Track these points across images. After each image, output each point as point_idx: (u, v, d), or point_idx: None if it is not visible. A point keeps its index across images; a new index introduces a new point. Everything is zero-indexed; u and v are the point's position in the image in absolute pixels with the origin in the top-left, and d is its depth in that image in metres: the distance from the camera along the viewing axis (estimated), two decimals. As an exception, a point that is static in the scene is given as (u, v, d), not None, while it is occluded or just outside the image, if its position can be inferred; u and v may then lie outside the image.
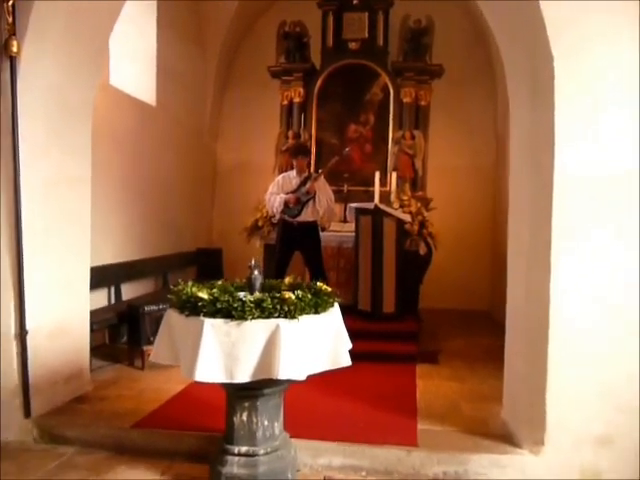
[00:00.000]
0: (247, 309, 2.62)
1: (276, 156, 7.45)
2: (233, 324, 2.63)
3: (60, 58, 3.77)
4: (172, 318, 2.87)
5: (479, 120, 8.12)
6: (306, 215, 5.63)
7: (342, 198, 6.96)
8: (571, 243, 2.98)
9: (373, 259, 5.78)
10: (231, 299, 2.67)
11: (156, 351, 2.91)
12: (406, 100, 7.21)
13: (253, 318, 2.62)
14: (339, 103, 7.49)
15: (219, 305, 2.66)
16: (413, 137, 7.15)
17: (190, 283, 2.98)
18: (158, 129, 7.03)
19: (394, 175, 6.85)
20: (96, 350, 5.39)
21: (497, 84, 7.71)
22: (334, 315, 2.94)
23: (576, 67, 2.96)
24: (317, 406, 3.92)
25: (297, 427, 3.35)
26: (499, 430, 3.52)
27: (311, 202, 5.61)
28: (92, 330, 4.67)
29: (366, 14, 7.35)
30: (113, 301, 5.88)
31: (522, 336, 3.37)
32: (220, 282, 3.28)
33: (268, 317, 2.65)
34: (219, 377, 2.63)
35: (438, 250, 6.45)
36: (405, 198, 6.49)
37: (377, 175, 6.69)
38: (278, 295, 2.72)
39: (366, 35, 7.38)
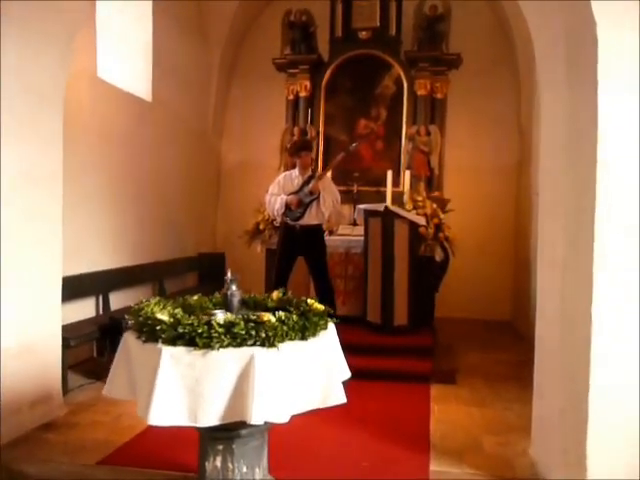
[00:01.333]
0: (214, 335, 2.11)
1: (281, 154, 6.98)
2: (197, 354, 2.12)
3: (23, 37, 3.32)
4: (129, 343, 2.37)
5: (501, 114, 7.51)
6: (309, 218, 5.10)
7: (352, 199, 6.47)
8: (619, 254, 2.42)
9: (383, 266, 5.24)
10: (195, 322, 2.17)
11: (110, 382, 2.41)
12: (421, 93, 6.68)
13: (222, 346, 2.11)
14: (348, 97, 7.00)
15: (181, 329, 2.15)
16: (428, 133, 6.62)
17: (153, 300, 2.49)
18: (155, 126, 6.58)
19: (407, 174, 6.31)
20: (80, 366, 4.96)
21: (520, 74, 7.11)
22: (327, 340, 2.41)
23: (624, 33, 2.40)
24: (311, 440, 3.39)
25: (287, 468, 2.85)
26: (527, 473, 2.96)
27: (315, 203, 5.08)
28: (69, 346, 4.22)
29: (377, 1, 6.85)
30: (101, 312, 5.42)
31: (556, 361, 2.82)
32: (196, 297, 2.80)
33: (241, 345, 2.13)
34: (179, 419, 2.12)
35: (456, 256, 5.88)
36: (419, 199, 5.94)
37: (389, 174, 6.17)
38: (254, 317, 2.20)
39: (377, 24, 6.89)
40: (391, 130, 6.87)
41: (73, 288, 4.96)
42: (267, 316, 2.21)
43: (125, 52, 6.07)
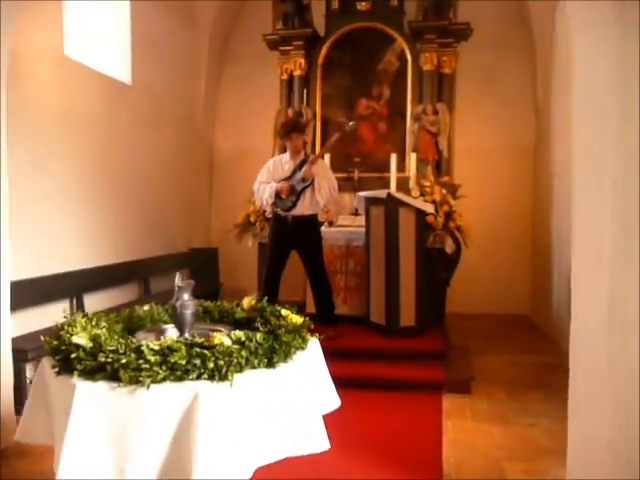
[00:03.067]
0: (144, 366, 1.55)
1: (275, 139, 6.39)
2: (123, 392, 1.56)
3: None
4: (46, 372, 1.82)
5: (515, 90, 6.85)
6: (303, 207, 4.53)
7: (352, 186, 5.88)
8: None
9: (387, 260, 4.66)
10: (122, 348, 1.61)
11: (24, 422, 1.87)
12: (427, 68, 6.04)
13: (155, 382, 1.55)
14: (347, 75, 6.38)
15: (102, 358, 1.60)
16: (436, 112, 5.99)
17: (81, 315, 1.94)
18: (135, 111, 6.01)
19: (413, 157, 5.71)
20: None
21: (537, 46, 6.46)
22: (304, 365, 1.85)
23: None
24: (298, 468, 2.82)
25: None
26: (565, 517, 2.39)
27: (309, 191, 4.51)
28: (26, 359, 3.71)
29: (377, -32, 6.21)
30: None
31: (601, 381, 2.24)
32: (147, 307, 2.25)
33: (181, 379, 1.57)
34: (100, 474, 1.57)
35: (468, 246, 5.28)
36: (427, 184, 5.34)
37: (393, 158, 5.61)
38: (201, 341, 1.64)
39: (378, -7, 6.25)
40: (395, 110, 6.25)
41: (43, 291, 4.49)
42: (219, 338, 1.64)
43: (98, 30, 5.49)
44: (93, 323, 1.93)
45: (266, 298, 4.30)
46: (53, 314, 4.60)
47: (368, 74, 6.29)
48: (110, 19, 5.65)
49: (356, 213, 5.70)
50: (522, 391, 4.01)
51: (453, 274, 5.54)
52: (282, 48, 6.40)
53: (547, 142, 6.25)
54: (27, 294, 4.30)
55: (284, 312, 2.00)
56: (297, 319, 1.94)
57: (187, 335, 1.94)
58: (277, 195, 4.52)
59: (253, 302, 2.29)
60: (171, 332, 2.00)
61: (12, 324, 3.75)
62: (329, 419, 2.13)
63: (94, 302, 5.11)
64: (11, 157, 4.15)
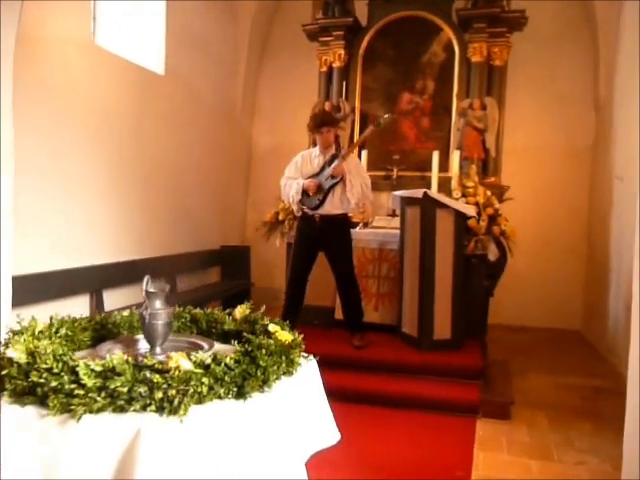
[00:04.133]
0: (79, 392, 1.26)
1: (309, 133, 6.07)
2: (53, 421, 1.27)
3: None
4: (-12, 388, 1.56)
5: (573, 86, 6.31)
6: (331, 206, 4.20)
7: (390, 186, 5.52)
8: None
9: (422, 265, 4.27)
10: (57, 366, 1.32)
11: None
12: (475, 59, 5.59)
13: (90, 411, 1.26)
14: (389, 67, 6.00)
15: (35, 378, 1.32)
16: (484, 107, 5.53)
17: (36, 321, 1.67)
18: (168, 103, 5.82)
19: (457, 155, 5.29)
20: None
21: (599, 39, 5.90)
22: (289, 396, 1.51)
23: None
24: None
25: None
26: None
27: (338, 189, 4.18)
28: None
29: (424, -48, 5.80)
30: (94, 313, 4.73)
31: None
32: (127, 312, 1.98)
33: (123, 410, 1.27)
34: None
35: (514, 254, 4.82)
36: (470, 185, 4.90)
37: (435, 156, 5.23)
38: (152, 363, 1.34)
39: (424, -21, 5.84)
40: (439, 105, 5.83)
41: (62, 285, 4.36)
42: (176, 361, 1.33)
43: (131, 19, 5.33)
44: (52, 330, 1.67)
45: (288, 303, 4.01)
46: (71, 309, 4.49)
47: (412, 66, 5.90)
48: (145, 8, 5.49)
49: (393, 214, 5.34)
50: (568, 420, 3.55)
51: (497, 283, 5.10)
52: (322, 39, 6.09)
53: (607, 141, 5.70)
54: (45, 287, 4.17)
55: (272, 327, 1.68)
56: (286, 337, 1.61)
57: (158, 349, 1.65)
58: (304, 192, 4.22)
59: (247, 312, 1.98)
60: (141, 345, 1.72)
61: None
62: (341, 443, 1.80)
63: (114, 298, 4.95)
64: (35, 147, 4.05)
